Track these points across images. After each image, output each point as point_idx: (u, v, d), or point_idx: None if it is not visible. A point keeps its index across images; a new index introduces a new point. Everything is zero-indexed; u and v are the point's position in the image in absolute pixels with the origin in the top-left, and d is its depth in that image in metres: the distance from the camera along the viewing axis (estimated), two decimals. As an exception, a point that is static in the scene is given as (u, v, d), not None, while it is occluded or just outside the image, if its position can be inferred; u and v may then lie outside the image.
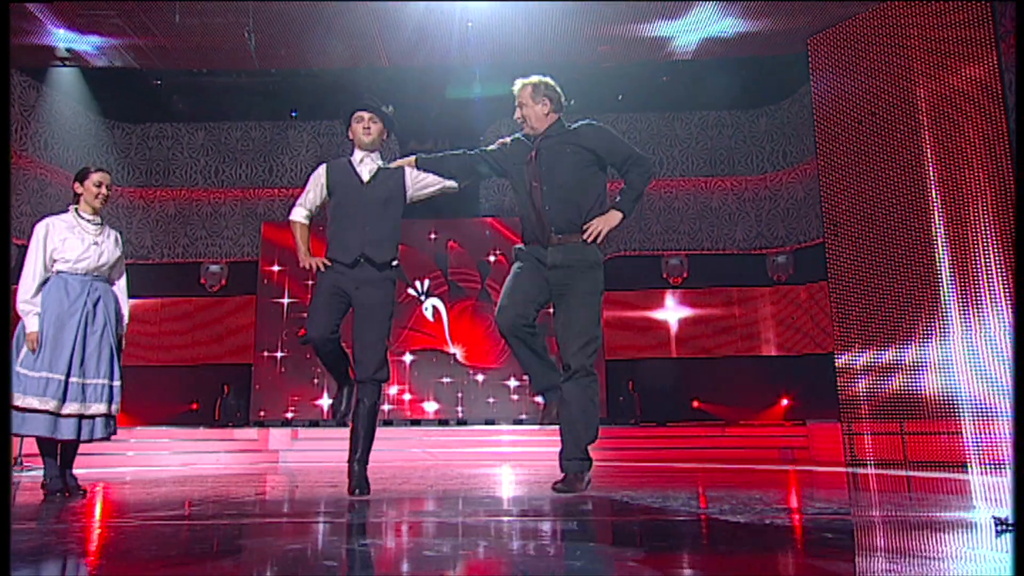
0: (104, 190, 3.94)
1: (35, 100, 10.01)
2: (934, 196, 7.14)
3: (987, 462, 6.17)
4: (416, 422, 10.32)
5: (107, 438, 3.80)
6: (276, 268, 11.13)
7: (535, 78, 3.43)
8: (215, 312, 11.58)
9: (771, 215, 11.73)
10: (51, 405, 3.52)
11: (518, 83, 3.45)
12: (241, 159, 11.97)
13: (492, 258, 11.05)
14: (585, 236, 3.22)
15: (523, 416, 10.46)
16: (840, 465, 7.23)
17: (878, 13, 7.70)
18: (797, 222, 11.40)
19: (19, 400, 3.49)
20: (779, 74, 10.59)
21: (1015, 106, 6.29)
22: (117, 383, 3.82)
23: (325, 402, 10.47)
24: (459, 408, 10.56)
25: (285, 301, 10.91)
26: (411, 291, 10.76)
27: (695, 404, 11.13)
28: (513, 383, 10.63)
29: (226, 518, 2.83)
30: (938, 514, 2.80)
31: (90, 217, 3.89)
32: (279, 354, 10.74)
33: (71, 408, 3.60)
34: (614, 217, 3.24)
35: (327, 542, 2.17)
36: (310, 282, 10.34)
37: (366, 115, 3.57)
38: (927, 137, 7.25)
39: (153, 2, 7.75)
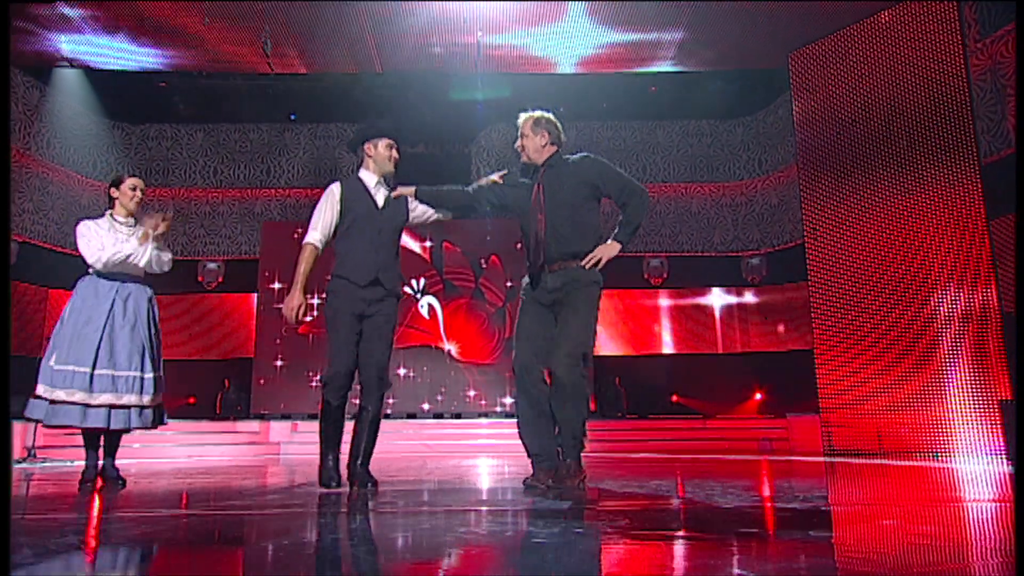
0: (139, 193, 4.02)
1: (38, 100, 9.84)
2: (909, 200, 7.38)
3: (962, 452, 6.40)
4: (412, 415, 10.34)
5: (147, 427, 3.82)
6: (276, 271, 11.08)
7: (537, 113, 3.52)
8: (212, 308, 11.48)
9: (747, 220, 11.95)
10: (78, 396, 3.56)
11: (521, 116, 3.53)
12: (239, 160, 11.87)
13: (484, 263, 11.12)
14: (584, 263, 3.28)
15: (515, 410, 10.55)
16: (819, 455, 7.43)
17: (855, 30, 7.93)
18: (771, 226, 11.62)
19: (48, 393, 3.54)
20: (756, 87, 10.82)
21: (1015, 106, 6.50)
22: (150, 375, 3.83)
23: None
24: (453, 402, 10.60)
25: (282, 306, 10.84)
26: (407, 289, 10.78)
27: (674, 398, 11.29)
28: (505, 378, 10.70)
29: (273, 509, 2.88)
30: (916, 501, 2.94)
31: (123, 219, 3.97)
32: (279, 361, 10.69)
33: (103, 399, 3.62)
34: (613, 248, 3.30)
35: (371, 531, 2.23)
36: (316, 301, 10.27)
37: (395, 144, 3.63)
38: (902, 145, 7.49)
39: (165, 3, 7.67)
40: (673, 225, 12.03)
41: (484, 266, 11.10)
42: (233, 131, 11.89)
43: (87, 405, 3.57)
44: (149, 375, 3.82)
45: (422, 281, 10.81)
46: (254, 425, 9.48)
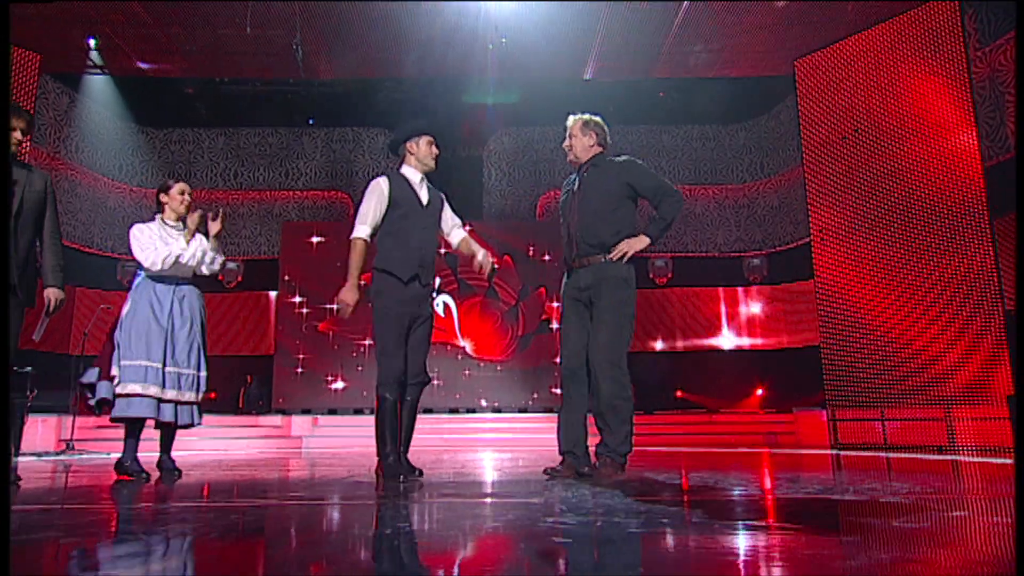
0: (187, 197, 4.04)
1: (67, 106, 9.89)
2: (912, 200, 7.44)
3: (962, 445, 6.46)
4: (428, 410, 10.38)
5: (197, 424, 3.86)
6: (296, 270, 11.14)
7: (587, 116, 3.55)
8: (232, 307, 11.52)
9: (748, 221, 12.01)
10: (152, 391, 3.59)
11: (571, 118, 3.58)
12: (258, 163, 11.92)
13: (497, 263, 11.16)
14: (611, 255, 3.29)
15: (527, 405, 10.62)
16: (825, 448, 7.49)
17: (860, 40, 8.00)
18: (772, 228, 11.68)
19: (120, 388, 3.56)
20: (757, 93, 10.89)
21: (1016, 110, 6.56)
22: (203, 373, 3.88)
23: (340, 389, 10.51)
24: (468, 398, 10.66)
25: (305, 310, 10.92)
26: (423, 288, 10.85)
27: (678, 394, 11.35)
28: (518, 374, 10.78)
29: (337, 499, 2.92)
30: (923, 493, 2.99)
31: (173, 223, 3.98)
32: (299, 358, 10.75)
33: (170, 394, 3.68)
34: (641, 241, 3.32)
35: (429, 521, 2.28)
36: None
37: (435, 141, 3.60)
38: (906, 148, 7.56)
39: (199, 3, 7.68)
40: (678, 226, 12.07)
41: (497, 266, 11.14)
42: (252, 135, 11.94)
43: (160, 400, 3.62)
44: (203, 373, 3.88)
45: (437, 280, 10.85)
46: (276, 420, 9.52)
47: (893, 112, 7.69)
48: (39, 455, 6.47)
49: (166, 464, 3.83)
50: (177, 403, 3.72)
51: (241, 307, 11.50)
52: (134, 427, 3.72)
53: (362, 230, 3.42)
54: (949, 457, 5.72)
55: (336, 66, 9.15)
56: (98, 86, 9.88)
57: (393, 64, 9.19)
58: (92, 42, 8.83)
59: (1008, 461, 5.07)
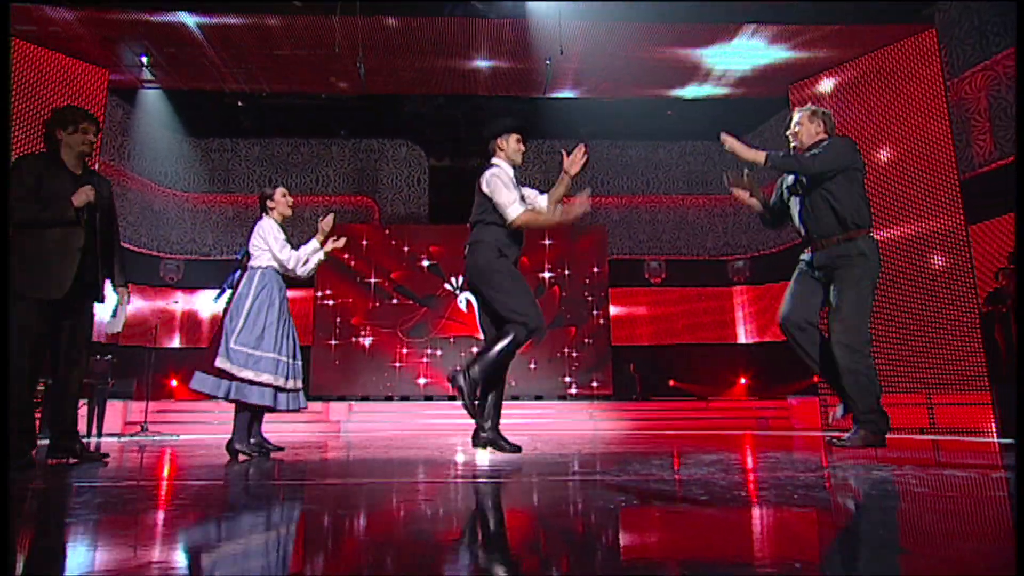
0: (290, 198, 4.14)
1: (121, 118, 9.93)
2: (897, 210, 7.78)
3: (959, 429, 6.78)
4: (452, 398, 10.55)
5: (301, 409, 3.93)
6: (328, 267, 11.23)
7: (816, 107, 3.40)
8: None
9: (735, 228, 12.34)
10: (280, 381, 3.74)
11: (798, 109, 3.41)
12: (291, 170, 12.01)
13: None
14: (726, 141, 3.18)
15: (542, 393, 10.84)
16: (817, 431, 7.80)
17: (850, 67, 8.34)
18: (756, 234, 12.01)
19: (255, 376, 3.66)
20: (747, 112, 11.20)
21: (1016, 110, 6.85)
22: (299, 362, 4.00)
23: (370, 384, 10.66)
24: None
25: (338, 311, 11.04)
26: (447, 286, 11.04)
27: (672, 383, 11.64)
28: (534, 365, 11.00)
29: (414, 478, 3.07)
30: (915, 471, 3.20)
31: (281, 225, 4.10)
32: (334, 349, 10.87)
33: (289, 384, 3.82)
34: (752, 152, 3.15)
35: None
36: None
37: (522, 139, 3.46)
38: (891, 163, 7.90)
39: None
40: (671, 232, 12.40)
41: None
42: (286, 144, 12.03)
43: (281, 389, 3.75)
44: (299, 362, 3.98)
45: (460, 279, 11.05)
46: (316, 406, 9.63)
47: (880, 132, 8.03)
48: (119, 436, 6.56)
49: (266, 443, 3.93)
50: (288, 391, 3.85)
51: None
52: (248, 411, 3.78)
53: (517, 207, 3.25)
54: (936, 438, 6.03)
55: (388, 82, 9.30)
56: (149, 99, 9.93)
57: (421, 82, 9.36)
58: (145, 59, 8.91)
59: (980, 439, 5.39)
